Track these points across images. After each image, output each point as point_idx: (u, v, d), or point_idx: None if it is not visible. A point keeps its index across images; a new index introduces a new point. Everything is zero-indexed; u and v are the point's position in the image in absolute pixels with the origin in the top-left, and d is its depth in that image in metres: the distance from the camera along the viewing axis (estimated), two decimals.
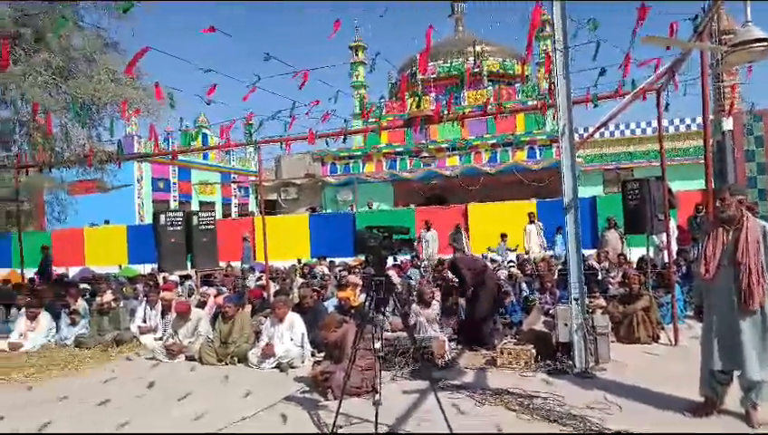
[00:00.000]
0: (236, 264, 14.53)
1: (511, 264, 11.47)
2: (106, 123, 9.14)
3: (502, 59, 27.52)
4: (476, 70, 26.03)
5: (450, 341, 6.80)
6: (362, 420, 4.43)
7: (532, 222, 13.88)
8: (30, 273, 13.74)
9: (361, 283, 8.26)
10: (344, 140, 12.60)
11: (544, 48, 22.45)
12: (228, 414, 4.81)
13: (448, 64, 26.74)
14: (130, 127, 21.23)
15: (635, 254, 11.19)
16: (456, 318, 7.34)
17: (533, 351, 5.89)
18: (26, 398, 5.69)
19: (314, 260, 14.61)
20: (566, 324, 5.60)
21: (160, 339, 7.65)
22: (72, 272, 16.46)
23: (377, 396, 3.91)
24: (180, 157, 22.86)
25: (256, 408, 4.95)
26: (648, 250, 8.43)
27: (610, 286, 8.64)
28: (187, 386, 5.81)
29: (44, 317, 8.29)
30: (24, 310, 8.37)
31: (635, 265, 9.20)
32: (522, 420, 4.36)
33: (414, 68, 26.77)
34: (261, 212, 10.07)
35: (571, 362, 5.57)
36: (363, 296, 7.39)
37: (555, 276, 8.73)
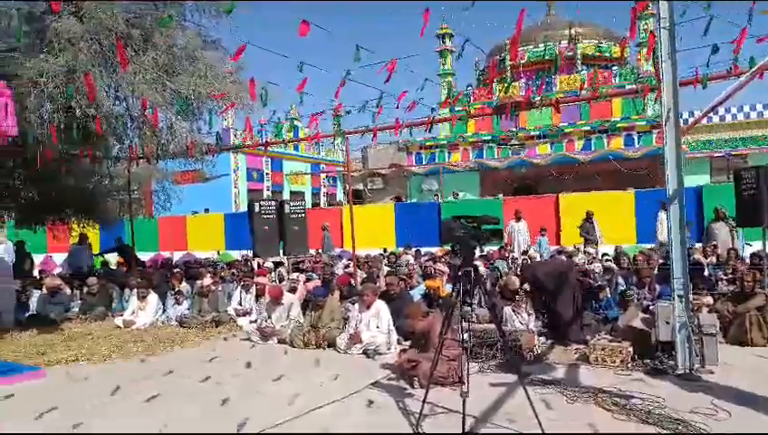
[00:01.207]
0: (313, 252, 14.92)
1: (606, 257, 10.91)
2: (206, 117, 9.70)
3: (597, 41, 26.10)
4: (570, 53, 24.86)
5: (540, 335, 6.60)
6: (448, 411, 4.41)
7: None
8: (144, 256, 14.94)
9: (449, 273, 8.20)
10: (430, 129, 12.54)
11: (645, 27, 20.99)
12: (318, 396, 4.96)
13: (540, 49, 25.74)
14: (227, 120, 22.40)
15: (748, 248, 10.27)
16: (546, 312, 7.10)
17: (630, 349, 5.57)
18: (138, 370, 6.20)
19: (400, 249, 14.71)
20: (668, 322, 5.24)
21: (255, 322, 8.03)
22: (176, 256, 17.68)
23: (464, 387, 3.86)
24: (273, 148, 23.79)
25: (344, 392, 5.07)
26: (764, 245, 7.69)
27: (720, 283, 7.98)
28: (280, 368, 6.06)
29: (153, 298, 8.97)
30: (135, 291, 9.10)
31: (748, 261, 8.42)
32: (617, 421, 4.14)
33: (503, 54, 26.05)
34: (348, 201, 10.25)
35: (672, 363, 5.21)
36: (450, 287, 7.35)
37: (655, 271, 8.20)
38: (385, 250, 14.64)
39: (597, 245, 12.99)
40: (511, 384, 5.01)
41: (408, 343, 6.35)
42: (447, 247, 12.74)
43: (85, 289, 9.92)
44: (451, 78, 27.30)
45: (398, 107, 8.25)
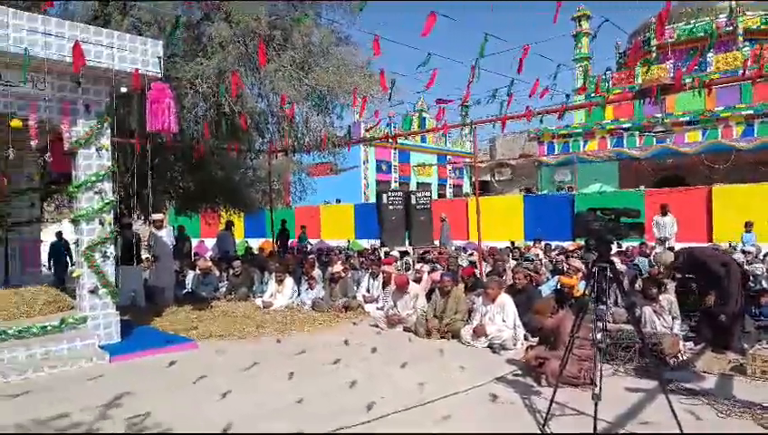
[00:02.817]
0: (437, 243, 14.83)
1: None
2: (338, 111, 10.12)
3: (764, 13, 22.97)
4: (729, 28, 22.17)
5: (686, 339, 6.01)
6: (578, 412, 4.19)
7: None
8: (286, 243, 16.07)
9: (584, 270, 7.77)
10: (563, 116, 11.91)
11: None
12: (442, 386, 4.98)
13: (692, 25, 23.26)
14: (357, 113, 23.15)
15: None
16: (696, 314, 6.44)
17: None
18: (275, 349, 6.68)
19: (528, 243, 14.22)
20: None
21: (381, 308, 8.26)
22: (311, 244, 18.74)
23: (596, 389, 3.63)
24: (400, 140, 24.21)
25: (468, 384, 5.03)
26: None
27: None
28: (405, 355, 6.17)
29: (289, 282, 9.59)
30: (273, 274, 9.79)
31: None
32: None
33: (648, 33, 23.95)
34: (475, 193, 10.11)
35: None
36: (583, 284, 6.96)
37: None
38: (512, 243, 14.25)
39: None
40: (650, 391, 4.63)
41: (536, 339, 6.13)
42: (581, 242, 12.09)
43: (231, 271, 10.86)
44: (587, 62, 25.71)
45: (530, 95, 7.91)
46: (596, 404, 3.61)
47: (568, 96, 9.64)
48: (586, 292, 4.17)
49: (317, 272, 10.02)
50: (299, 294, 9.58)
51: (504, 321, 6.51)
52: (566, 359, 4.05)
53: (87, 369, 5.79)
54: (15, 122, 5.86)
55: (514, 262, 10.50)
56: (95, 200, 6.51)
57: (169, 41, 8.08)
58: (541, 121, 11.29)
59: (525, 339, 6.48)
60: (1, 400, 4.84)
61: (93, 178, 6.47)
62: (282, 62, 8.73)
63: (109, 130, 6.66)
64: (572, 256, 9.53)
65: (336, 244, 17.80)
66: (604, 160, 23.79)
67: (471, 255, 10.89)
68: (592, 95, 19.72)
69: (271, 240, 15.14)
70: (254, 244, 18.13)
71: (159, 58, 6.57)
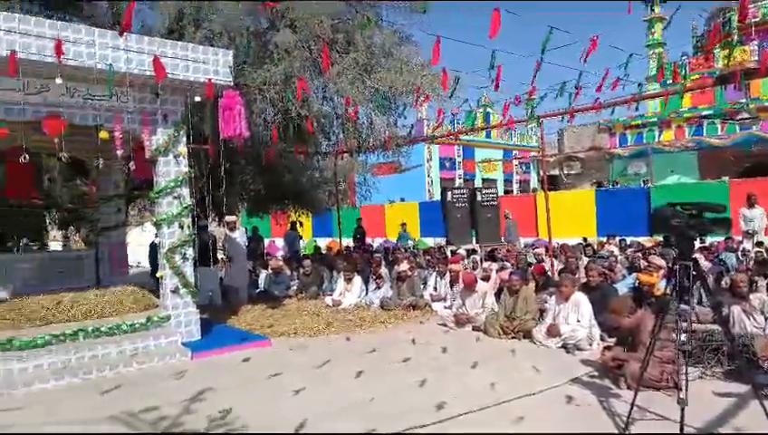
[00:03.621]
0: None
1: None
2: (401, 110, 10.15)
3: None
4: None
5: None
6: (661, 417, 4.00)
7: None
8: (347, 242, 16.30)
9: (663, 266, 7.39)
10: (637, 106, 11.37)
11: None
12: (514, 387, 4.89)
13: None
14: (420, 112, 23.12)
15: None
16: None
17: None
18: (345, 347, 6.79)
19: (602, 239, 13.69)
20: None
21: (449, 307, 8.21)
22: (376, 243, 18.90)
23: (681, 393, 3.45)
24: (464, 136, 23.93)
25: (542, 386, 4.91)
26: None
27: None
28: (475, 355, 6.11)
29: (357, 280, 9.72)
30: (342, 273, 9.95)
31: None
32: None
33: (729, 14, 22.43)
34: (544, 188, 9.84)
35: None
36: (663, 282, 6.63)
37: None
38: (584, 239, 13.77)
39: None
40: (742, 395, 4.35)
41: (613, 339, 5.90)
42: (659, 238, 11.51)
43: (301, 271, 11.15)
44: (661, 48, 24.41)
45: (599, 88, 7.59)
46: (682, 409, 3.43)
47: (641, 85, 9.17)
48: (667, 290, 3.96)
49: (384, 271, 10.10)
50: (367, 293, 9.69)
51: (578, 320, 6.30)
52: (647, 361, 3.88)
53: (171, 365, 6.12)
54: (103, 134, 6.28)
55: (587, 259, 10.13)
56: (174, 205, 6.87)
57: (242, 50, 8.38)
58: (612, 112, 10.84)
59: (601, 339, 6.25)
60: (97, 393, 5.20)
61: (172, 184, 6.83)
62: (345, 65, 8.85)
63: (185, 138, 7.01)
64: (652, 253, 9.08)
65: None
66: (681, 150, 22.52)
67: (539, 253, 10.56)
68: (668, 82, 18.70)
69: (338, 239, 15.41)
70: (322, 243, 18.54)
71: (230, 67, 6.84)
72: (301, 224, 16.42)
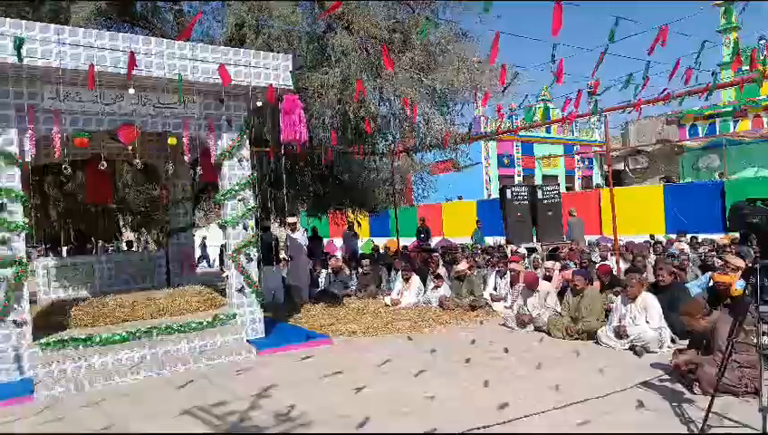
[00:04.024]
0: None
1: None
2: (458, 108, 10.08)
3: None
4: None
5: None
6: (740, 425, 3.78)
7: None
8: (405, 242, 16.34)
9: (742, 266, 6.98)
10: (708, 96, 10.75)
11: None
12: (581, 389, 4.76)
13: None
14: (477, 109, 22.82)
15: None
16: None
17: None
18: (405, 347, 6.82)
19: (671, 236, 13.07)
20: None
21: (510, 307, 8.08)
22: (433, 242, 18.82)
23: (763, 401, 3.25)
24: (523, 132, 23.41)
25: (609, 388, 4.76)
26: None
27: None
28: (538, 356, 5.99)
29: (415, 279, 9.72)
30: (400, 273, 9.99)
31: None
32: None
33: None
34: (608, 183, 9.49)
35: None
36: (740, 283, 6.26)
37: None
38: (652, 237, 13.19)
39: None
40: None
41: (685, 342, 5.63)
42: (735, 235, 10.87)
43: (360, 270, 11.27)
44: (736, 33, 23.01)
45: (669, 78, 7.22)
46: (764, 417, 3.23)
47: (715, 74, 8.67)
48: (745, 291, 3.75)
49: (442, 270, 10.05)
50: (425, 293, 9.68)
51: (647, 322, 6.05)
52: (724, 365, 3.68)
53: (237, 361, 6.35)
54: (172, 140, 6.60)
55: (656, 257, 9.71)
56: (239, 207, 7.11)
57: (302, 54, 8.55)
58: (680, 103, 10.31)
59: (672, 342, 5.98)
60: (172, 387, 5.47)
61: (237, 187, 7.08)
62: (402, 65, 8.88)
63: (248, 142, 7.24)
64: (727, 252, 8.59)
65: (460, 241, 17.70)
66: (761, 141, 21.13)
67: (605, 251, 10.22)
68: (744, 68, 17.60)
69: (396, 239, 15.46)
70: (380, 242, 18.66)
71: (290, 72, 7.01)
72: (359, 224, 16.57)
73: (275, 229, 13.13)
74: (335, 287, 10.78)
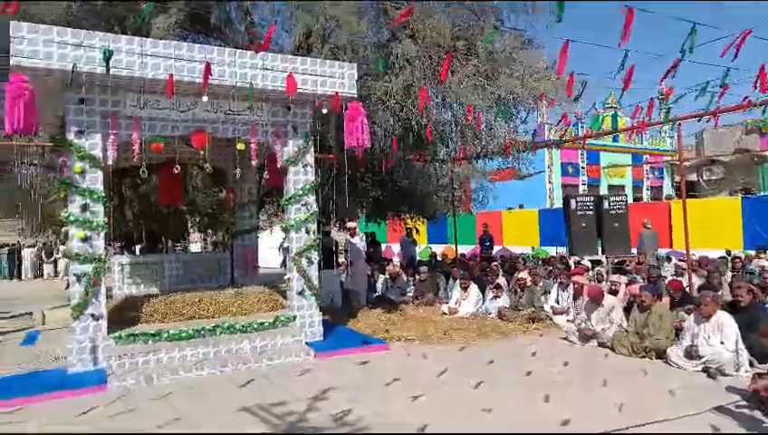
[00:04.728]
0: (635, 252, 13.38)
1: None
2: (522, 115, 9.89)
3: None
4: None
5: None
6: None
7: None
8: (463, 249, 16.19)
9: None
10: None
11: None
12: (648, 411, 4.55)
13: None
14: (541, 116, 22.37)
15: None
16: None
17: None
18: (463, 356, 6.74)
19: (750, 252, 12.29)
20: None
21: (572, 321, 7.83)
22: (493, 251, 18.53)
23: None
24: (589, 140, 22.72)
25: (680, 411, 4.52)
26: None
27: None
28: (602, 372, 5.78)
29: (474, 289, 9.60)
30: (458, 281, 9.89)
31: None
32: None
33: None
34: (682, 195, 9.03)
35: None
36: None
37: None
38: (728, 252, 12.45)
39: None
40: None
41: (766, 366, 5.28)
42: None
43: (417, 277, 11.25)
44: None
45: (755, 86, 6.77)
46: None
47: None
48: None
49: (502, 280, 9.89)
50: (484, 302, 9.54)
51: (721, 342, 5.71)
52: None
53: (296, 363, 6.48)
54: (241, 145, 6.85)
55: (732, 274, 9.16)
56: (302, 211, 7.28)
57: (369, 62, 8.64)
58: (764, 112, 9.68)
59: (750, 365, 5.61)
60: (233, 385, 5.66)
61: (300, 192, 7.25)
62: (466, 72, 8.82)
63: (312, 148, 7.41)
64: None
65: (519, 251, 17.35)
66: None
67: (679, 266, 9.73)
68: None
69: (454, 246, 15.33)
70: (437, 250, 18.57)
71: (355, 80, 7.12)
72: (417, 231, 16.55)
73: (334, 234, 13.32)
74: (392, 293, 10.81)
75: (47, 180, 11.41)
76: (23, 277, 21.97)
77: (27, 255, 22.39)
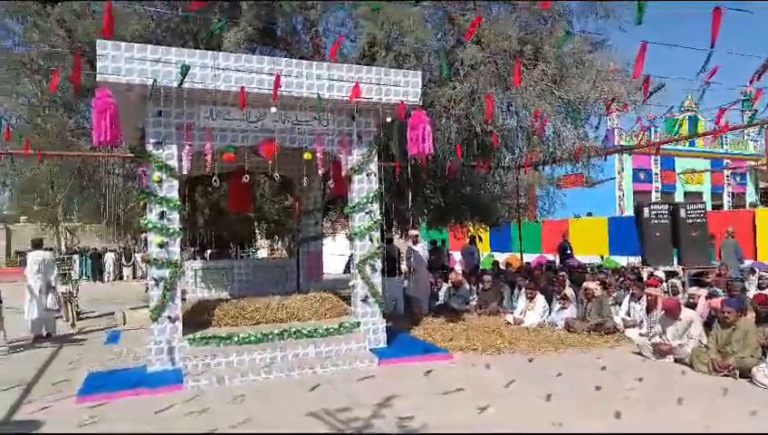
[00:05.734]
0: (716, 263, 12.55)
1: None
2: (593, 121, 9.57)
3: None
4: None
5: None
6: None
7: None
8: (527, 257, 15.82)
9: None
10: None
11: None
12: (723, 431, 4.26)
13: None
14: (611, 121, 21.55)
15: None
16: None
17: None
18: (529, 368, 6.57)
19: None
20: None
21: (645, 335, 7.47)
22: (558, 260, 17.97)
23: None
24: (664, 146, 21.65)
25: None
26: None
27: None
28: (679, 390, 5.47)
29: (540, 299, 9.35)
30: (524, 291, 9.67)
31: None
32: None
33: None
34: (764, 202, 8.42)
35: None
36: None
37: None
38: None
39: None
40: None
41: None
42: None
43: (481, 285, 11.08)
44: None
45: None
46: None
47: None
48: None
49: (569, 290, 9.57)
50: (550, 313, 9.27)
51: None
52: None
53: (360, 369, 6.53)
54: (307, 154, 7.01)
55: None
56: (366, 219, 7.35)
57: (435, 69, 8.62)
58: None
59: None
60: (300, 389, 5.77)
61: (365, 200, 7.32)
62: (533, 77, 8.65)
63: (376, 157, 7.48)
64: None
65: (588, 260, 16.74)
66: None
67: (763, 283, 9.08)
68: None
69: (518, 255, 15.00)
70: (500, 258, 18.21)
71: (419, 89, 7.13)
72: (480, 238, 16.32)
73: (397, 241, 13.36)
74: (455, 302, 10.70)
75: (127, 189, 12.12)
76: (105, 279, 23.44)
77: (108, 258, 23.88)
